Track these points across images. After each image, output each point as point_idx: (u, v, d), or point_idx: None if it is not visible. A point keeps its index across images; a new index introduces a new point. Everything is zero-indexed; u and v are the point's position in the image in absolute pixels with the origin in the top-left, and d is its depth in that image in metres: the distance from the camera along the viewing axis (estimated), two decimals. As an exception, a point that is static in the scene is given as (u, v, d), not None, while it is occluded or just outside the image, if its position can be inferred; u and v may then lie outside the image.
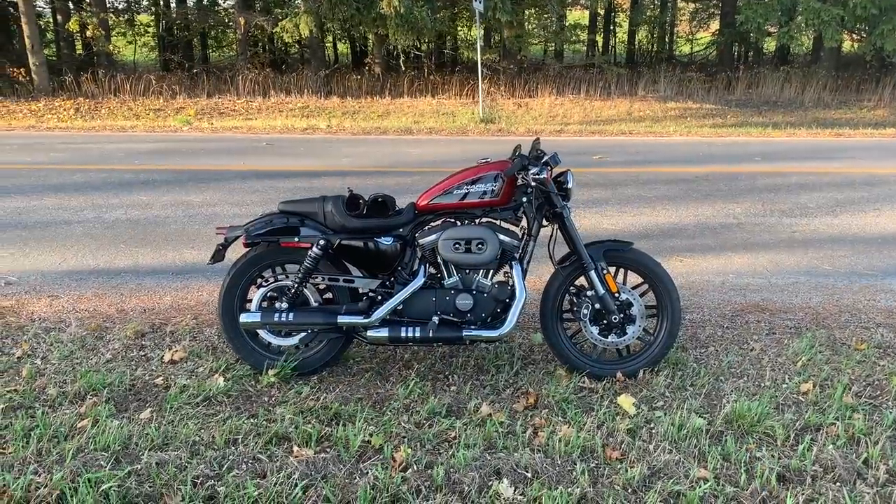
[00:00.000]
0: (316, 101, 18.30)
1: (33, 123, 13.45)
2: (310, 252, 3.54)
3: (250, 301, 3.70)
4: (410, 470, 2.97)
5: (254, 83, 19.01)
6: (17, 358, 3.89)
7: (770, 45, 25.05)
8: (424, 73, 21.53)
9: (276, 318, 3.54)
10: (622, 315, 3.64)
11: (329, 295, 3.76)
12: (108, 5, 22.45)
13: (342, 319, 3.54)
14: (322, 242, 3.52)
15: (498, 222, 3.66)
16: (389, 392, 3.58)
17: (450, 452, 3.07)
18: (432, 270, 3.67)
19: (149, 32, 25.72)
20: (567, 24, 23.42)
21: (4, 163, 9.07)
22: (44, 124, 13.46)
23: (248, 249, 3.68)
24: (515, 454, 3.06)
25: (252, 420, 3.31)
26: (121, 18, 24.97)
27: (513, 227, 3.68)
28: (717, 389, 3.61)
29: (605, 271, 3.61)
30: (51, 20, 23.14)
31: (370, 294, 3.66)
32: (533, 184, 3.49)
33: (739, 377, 3.74)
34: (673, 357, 3.88)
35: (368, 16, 16.77)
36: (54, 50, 23.22)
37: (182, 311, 4.51)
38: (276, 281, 3.67)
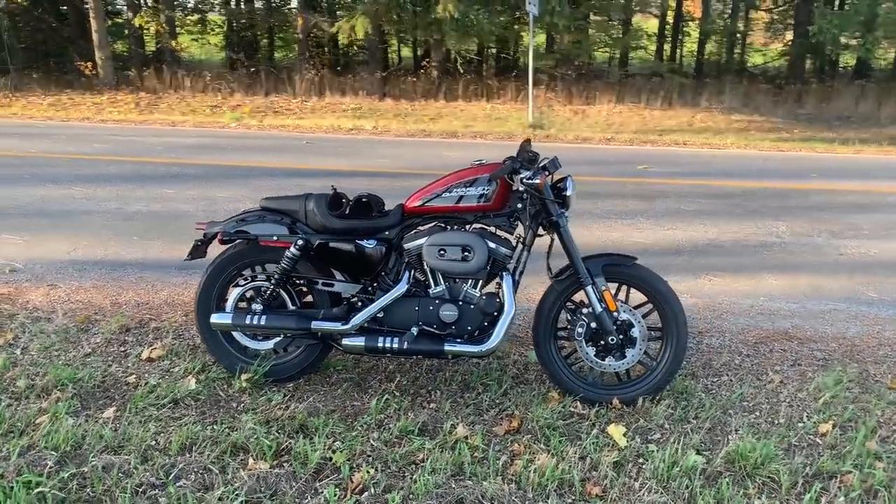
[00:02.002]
0: (370, 102, 18.28)
1: (89, 115, 13.75)
2: (287, 252, 3.35)
3: (228, 301, 3.53)
4: (367, 493, 2.74)
5: (310, 83, 19.14)
6: (-1, 347, 3.82)
7: (849, 60, 23.91)
8: (483, 78, 21.32)
9: (247, 321, 3.36)
10: (621, 336, 3.33)
11: (311, 298, 3.56)
12: (175, 3, 23.00)
13: (316, 325, 3.34)
14: (300, 242, 3.32)
15: (492, 229, 3.41)
16: (365, 405, 3.35)
17: (413, 476, 2.83)
18: (421, 277, 3.43)
19: (215, 31, 26.26)
20: (633, 31, 22.86)
21: (47, 151, 9.23)
22: (99, 116, 13.75)
23: (227, 247, 3.52)
24: (484, 483, 2.80)
25: (214, 427, 3.14)
26: (190, 17, 25.59)
27: (507, 236, 3.42)
28: (724, 424, 3.26)
29: (603, 287, 3.30)
30: (126, 16, 23.78)
31: (351, 300, 3.45)
32: (521, 188, 3.22)
33: (751, 412, 3.38)
34: (679, 385, 3.55)
35: (425, 19, 16.65)
36: (128, 45, 23.84)
37: (174, 307, 4.38)
38: (253, 281, 3.49)
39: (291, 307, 3.49)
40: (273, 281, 3.40)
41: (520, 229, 3.41)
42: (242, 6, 25.42)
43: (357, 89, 19.23)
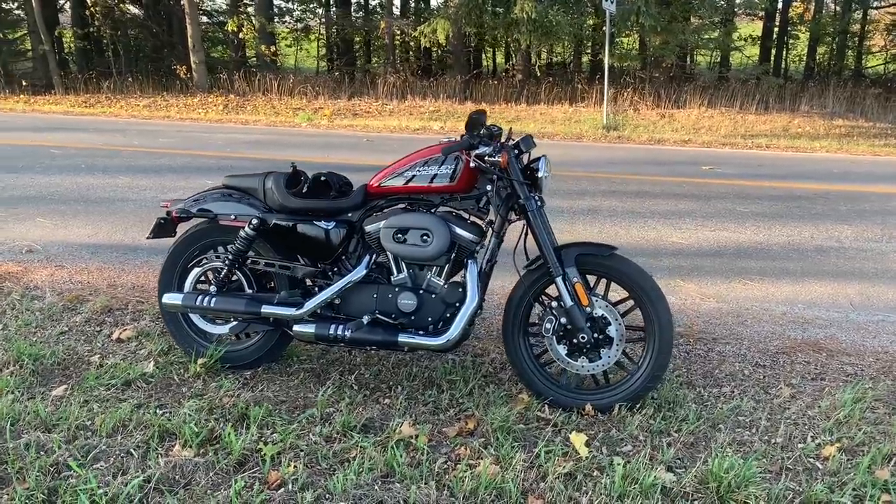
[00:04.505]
0: (450, 105, 18.16)
1: (170, 114, 14.23)
2: (241, 232, 3.19)
3: (187, 281, 3.40)
4: (283, 490, 2.53)
5: (392, 87, 19.23)
6: (-16, 321, 3.84)
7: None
8: (572, 81, 20.84)
9: (196, 302, 3.21)
10: (595, 335, 2.97)
11: (274, 283, 3.38)
12: (271, 11, 23.68)
13: (267, 310, 3.15)
14: (255, 222, 3.16)
15: (462, 213, 3.13)
16: (317, 398, 3.13)
17: (339, 476, 2.58)
18: (388, 264, 3.18)
19: (311, 39, 26.90)
20: (727, 32, 21.78)
21: (113, 144, 9.55)
22: (179, 115, 14.21)
23: (192, 225, 3.40)
24: (413, 487, 2.52)
25: (156, 410, 3.00)
26: (286, 24, 26.37)
27: (477, 221, 3.14)
28: (710, 439, 2.86)
29: (575, 279, 2.96)
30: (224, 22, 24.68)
31: (308, 285, 3.25)
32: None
33: (746, 427, 2.95)
34: (669, 393, 3.15)
35: (504, 20, 16.40)
36: (227, 51, 24.75)
37: (166, 291, 4.31)
38: (212, 261, 3.34)
39: (249, 291, 3.33)
40: (227, 261, 3.24)
41: (493, 214, 3.12)
42: (334, 12, 25.93)
43: (439, 93, 19.19)
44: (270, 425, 2.91)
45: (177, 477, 2.58)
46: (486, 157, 2.91)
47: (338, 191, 3.23)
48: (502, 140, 3.06)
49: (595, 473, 2.63)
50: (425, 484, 2.55)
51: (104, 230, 5.54)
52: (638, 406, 3.02)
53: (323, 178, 3.24)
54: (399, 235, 3.01)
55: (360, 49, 25.76)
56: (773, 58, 23.93)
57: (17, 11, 22.67)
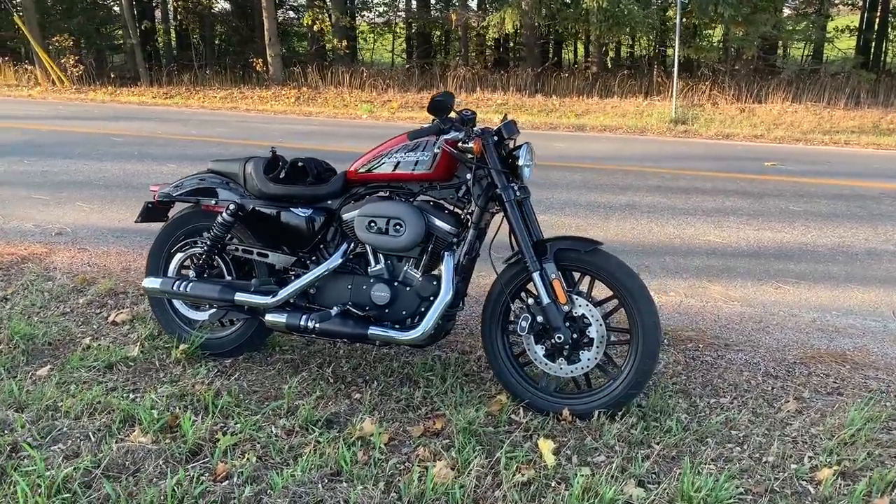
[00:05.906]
0: (519, 98, 17.89)
1: (236, 105, 14.54)
2: (218, 217, 3.13)
3: (170, 266, 3.38)
4: (226, 482, 2.45)
5: (462, 79, 19.11)
6: (-5, 300, 3.94)
7: None
8: (648, 74, 20.22)
9: (173, 287, 3.18)
10: (574, 335, 2.77)
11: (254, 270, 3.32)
12: (351, 5, 23.97)
13: (241, 297, 3.08)
14: (231, 207, 3.10)
15: (442, 203, 2.99)
16: (291, 389, 3.05)
17: (286, 471, 2.49)
18: (367, 254, 3.07)
19: (389, 31, 27.06)
20: (833, 25, 20.65)
21: (172, 133, 9.80)
22: (246, 107, 14.49)
23: (181, 209, 3.38)
24: (358, 488, 2.40)
25: (130, 395, 2.99)
26: (367, 20, 26.64)
27: (458, 211, 2.98)
28: (694, 454, 2.62)
29: (553, 276, 2.76)
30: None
31: (284, 274, 3.17)
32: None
33: (737, 443, 2.70)
34: (659, 402, 2.92)
35: (575, 10, 16.03)
36: (306, 45, 25.19)
37: (175, 276, 4.33)
38: (193, 247, 3.31)
39: (229, 277, 3.27)
40: (205, 247, 3.20)
41: (472, 204, 2.96)
42: (414, 6, 26.00)
43: (509, 86, 18.95)
44: (235, 415, 2.85)
45: (127, 463, 2.54)
46: (460, 144, 2.76)
47: (316, 177, 3.14)
48: (481, 126, 2.89)
49: (555, 484, 2.44)
50: (374, 485, 2.43)
51: (134, 215, 5.61)
52: (620, 413, 2.81)
53: (301, 164, 3.15)
54: (372, 224, 2.89)
55: (440, 42, 25.77)
56: (872, 50, 22.56)
57: (115, 8, 23.77)
